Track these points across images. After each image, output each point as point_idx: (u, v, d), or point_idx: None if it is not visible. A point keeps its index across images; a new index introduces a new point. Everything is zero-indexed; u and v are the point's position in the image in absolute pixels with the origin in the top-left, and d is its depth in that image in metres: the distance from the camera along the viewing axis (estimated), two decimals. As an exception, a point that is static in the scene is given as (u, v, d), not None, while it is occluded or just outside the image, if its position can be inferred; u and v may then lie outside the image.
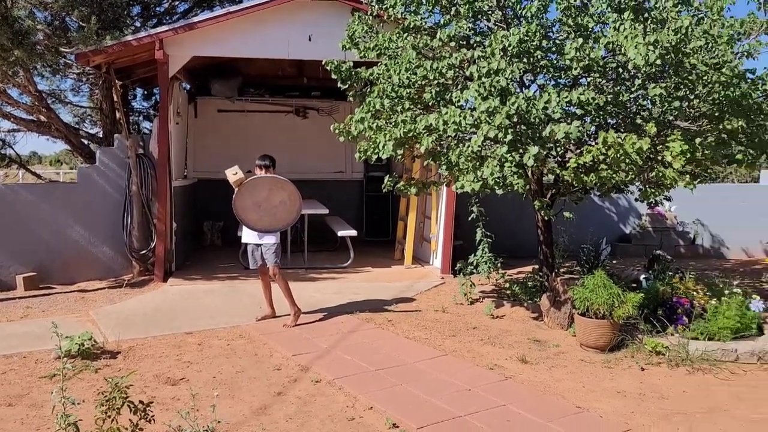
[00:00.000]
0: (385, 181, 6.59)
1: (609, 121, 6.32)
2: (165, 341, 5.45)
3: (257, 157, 6.14)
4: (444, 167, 5.73)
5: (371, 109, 5.94)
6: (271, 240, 5.91)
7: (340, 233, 8.78)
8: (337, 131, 6.11)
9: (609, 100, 5.53)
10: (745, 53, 6.37)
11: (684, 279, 6.37)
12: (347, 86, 6.53)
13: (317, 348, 5.29)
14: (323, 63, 6.53)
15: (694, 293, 5.95)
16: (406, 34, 6.41)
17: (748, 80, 5.97)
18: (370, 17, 6.80)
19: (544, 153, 5.45)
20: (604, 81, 5.97)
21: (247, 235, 6.01)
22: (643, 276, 6.94)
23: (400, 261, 9.20)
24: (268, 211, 5.85)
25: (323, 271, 8.41)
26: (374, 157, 6.03)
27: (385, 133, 5.75)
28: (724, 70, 5.56)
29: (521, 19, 5.97)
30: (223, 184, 6.23)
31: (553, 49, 5.90)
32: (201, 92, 10.65)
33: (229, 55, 8.24)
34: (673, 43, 4.89)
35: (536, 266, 7.49)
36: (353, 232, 8.76)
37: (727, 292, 5.80)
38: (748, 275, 8.57)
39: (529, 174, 6.47)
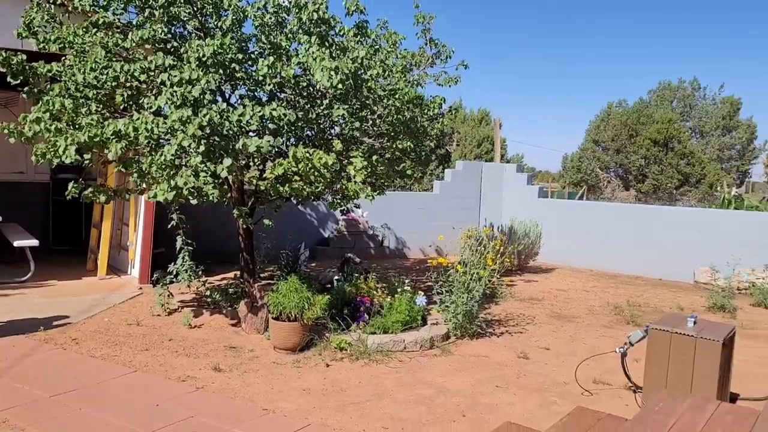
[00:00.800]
0: (70, 187, 6.02)
1: (309, 134, 6.77)
2: None
3: None
4: (135, 175, 5.49)
5: (50, 108, 5.39)
6: None
7: (16, 243, 7.74)
8: (6, 131, 5.40)
9: (300, 116, 5.92)
10: (416, 82, 7.39)
11: (368, 279, 7.13)
12: (19, 81, 5.81)
13: (-21, 379, 4.62)
14: (-12, 53, 5.72)
15: (375, 292, 6.71)
16: (96, 30, 5.98)
17: (418, 106, 6.96)
18: (53, 5, 6.19)
19: (239, 164, 5.60)
20: (299, 98, 6.38)
21: None
22: (336, 277, 7.58)
23: (93, 272, 8.50)
24: None
25: (-5, 288, 7.34)
26: (55, 161, 5.49)
27: (67, 136, 5.28)
28: (397, 96, 6.39)
29: (218, 29, 6.03)
30: None
31: (250, 62, 6.10)
32: None
33: None
34: (352, 71, 5.46)
35: (238, 272, 7.63)
36: (33, 242, 7.79)
37: (399, 290, 6.68)
38: (421, 272, 9.93)
39: (231, 182, 6.58)
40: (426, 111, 7.19)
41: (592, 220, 11.72)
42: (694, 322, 4.52)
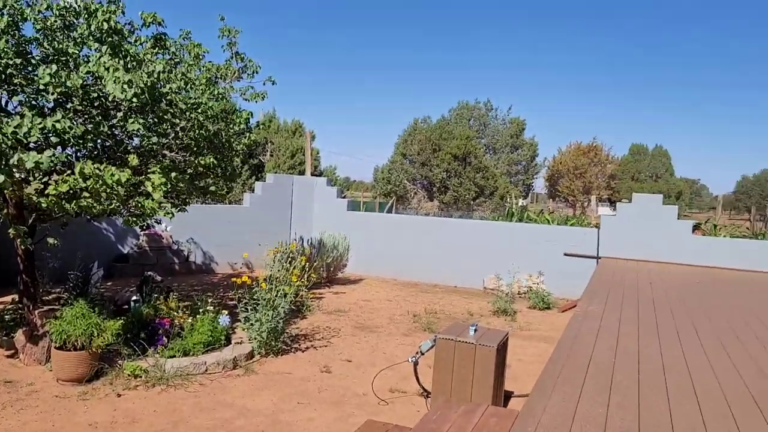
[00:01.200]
0: None
1: (106, 145, 6.29)
2: None
3: None
4: None
5: None
6: None
7: None
8: None
9: (90, 129, 5.52)
10: (221, 96, 7.26)
11: (169, 299, 6.83)
12: None
13: None
14: None
15: (176, 313, 6.45)
16: None
17: (223, 120, 6.83)
18: None
19: (15, 180, 5.06)
20: (91, 108, 5.93)
21: None
22: (134, 298, 7.14)
23: None
24: None
25: None
26: None
27: None
28: (200, 110, 6.23)
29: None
30: None
31: (31, 68, 5.55)
32: None
33: None
34: (148, 84, 5.22)
35: (17, 297, 6.85)
36: None
37: (202, 309, 6.49)
38: (228, 288, 9.72)
39: (8, 198, 5.91)
40: (232, 125, 7.09)
41: (396, 232, 12.39)
42: (475, 330, 5.02)
